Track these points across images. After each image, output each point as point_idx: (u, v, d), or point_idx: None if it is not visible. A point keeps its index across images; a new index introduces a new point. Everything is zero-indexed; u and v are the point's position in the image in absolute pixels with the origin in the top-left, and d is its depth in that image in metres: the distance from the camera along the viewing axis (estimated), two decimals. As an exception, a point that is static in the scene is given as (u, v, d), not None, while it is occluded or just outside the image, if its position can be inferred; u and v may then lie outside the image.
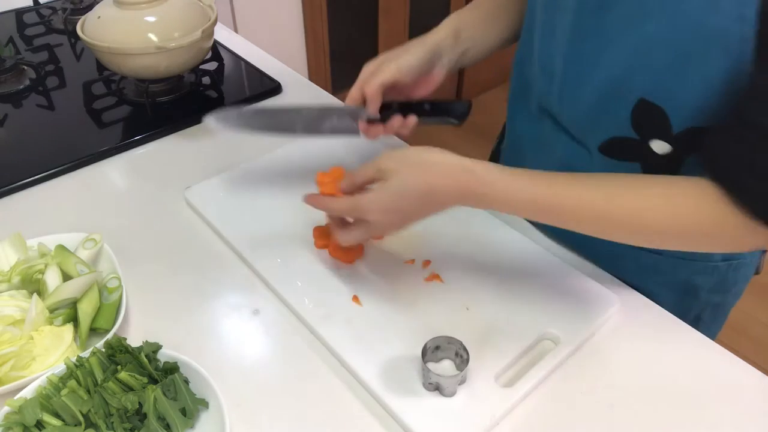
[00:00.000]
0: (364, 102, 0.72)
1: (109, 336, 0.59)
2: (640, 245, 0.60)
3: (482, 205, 0.59)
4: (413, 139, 0.79)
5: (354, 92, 0.72)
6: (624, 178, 0.56)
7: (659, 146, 0.56)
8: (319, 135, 0.75)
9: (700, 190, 0.51)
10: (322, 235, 0.73)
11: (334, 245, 0.71)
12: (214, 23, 1.00)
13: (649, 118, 0.55)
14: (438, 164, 0.58)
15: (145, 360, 0.57)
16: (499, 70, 2.82)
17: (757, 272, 0.74)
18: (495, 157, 0.95)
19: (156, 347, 0.58)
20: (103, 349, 0.58)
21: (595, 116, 0.61)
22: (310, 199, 0.65)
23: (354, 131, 0.74)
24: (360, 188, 0.63)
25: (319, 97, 1.06)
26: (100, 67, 1.12)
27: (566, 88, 0.64)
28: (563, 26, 0.62)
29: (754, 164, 0.47)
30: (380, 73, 0.70)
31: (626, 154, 0.61)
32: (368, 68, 0.73)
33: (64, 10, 1.27)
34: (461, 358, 0.59)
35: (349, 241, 0.63)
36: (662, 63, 0.52)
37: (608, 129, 0.61)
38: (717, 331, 0.78)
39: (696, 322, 0.70)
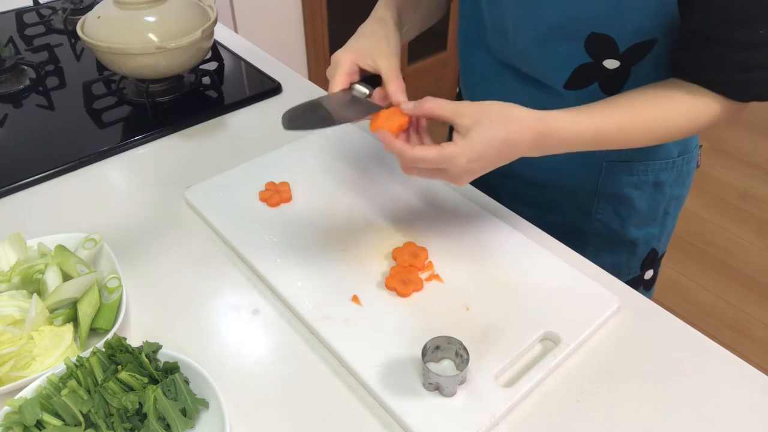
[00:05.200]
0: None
1: (109, 336, 0.59)
2: (658, 143, 0.72)
3: (553, 150, 0.66)
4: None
5: (340, 79, 0.70)
6: (645, 97, 0.67)
7: (610, 63, 0.69)
8: (347, 123, 0.72)
9: (690, 93, 0.66)
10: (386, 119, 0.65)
11: (396, 287, 0.68)
12: (214, 23, 1.00)
13: (600, 44, 0.68)
14: (518, 119, 0.63)
15: (146, 360, 0.57)
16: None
17: (697, 165, 0.88)
18: None
19: (156, 347, 0.58)
20: (103, 349, 0.58)
21: (553, 56, 0.71)
22: (390, 143, 0.62)
23: (367, 112, 0.70)
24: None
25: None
26: (100, 67, 1.12)
27: (519, 40, 0.73)
28: None
29: (717, 63, 0.63)
30: (360, 65, 0.70)
31: (586, 80, 0.72)
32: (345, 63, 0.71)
33: (64, 10, 1.27)
34: (461, 358, 0.59)
35: (413, 175, 0.64)
36: (604, 4, 0.63)
37: (569, 63, 0.71)
38: (675, 222, 0.93)
39: (665, 216, 0.88)
